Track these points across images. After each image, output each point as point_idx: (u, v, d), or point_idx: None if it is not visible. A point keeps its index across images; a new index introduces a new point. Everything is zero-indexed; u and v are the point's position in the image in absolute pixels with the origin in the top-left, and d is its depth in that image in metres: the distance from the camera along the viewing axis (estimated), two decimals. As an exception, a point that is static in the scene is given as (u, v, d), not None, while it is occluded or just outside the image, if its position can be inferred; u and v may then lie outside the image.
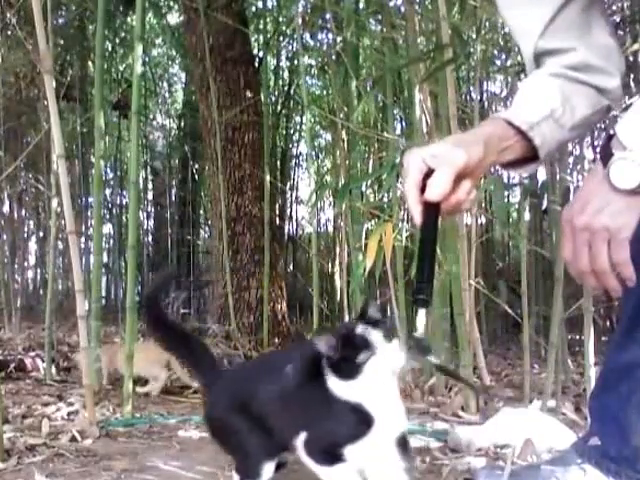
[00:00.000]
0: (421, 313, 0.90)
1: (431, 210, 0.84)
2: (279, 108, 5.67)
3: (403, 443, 1.04)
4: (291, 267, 6.65)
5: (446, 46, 2.11)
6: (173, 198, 7.00)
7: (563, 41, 0.93)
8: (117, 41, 5.64)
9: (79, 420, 1.85)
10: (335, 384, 1.02)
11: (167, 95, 7.25)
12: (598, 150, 0.85)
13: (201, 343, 1.30)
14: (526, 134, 0.90)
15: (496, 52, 3.74)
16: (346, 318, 4.37)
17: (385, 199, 4.46)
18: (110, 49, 5.53)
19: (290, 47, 5.36)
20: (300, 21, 3.20)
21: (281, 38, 5.18)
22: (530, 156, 0.93)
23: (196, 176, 6.64)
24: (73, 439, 1.66)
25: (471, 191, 0.84)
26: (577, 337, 3.35)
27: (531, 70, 1.00)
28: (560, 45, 0.94)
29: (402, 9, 2.98)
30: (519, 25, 0.98)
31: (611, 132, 0.83)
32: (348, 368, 1.00)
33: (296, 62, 4.85)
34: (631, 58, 3.21)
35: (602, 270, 0.81)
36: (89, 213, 5.38)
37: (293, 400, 1.07)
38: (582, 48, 0.93)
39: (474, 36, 2.51)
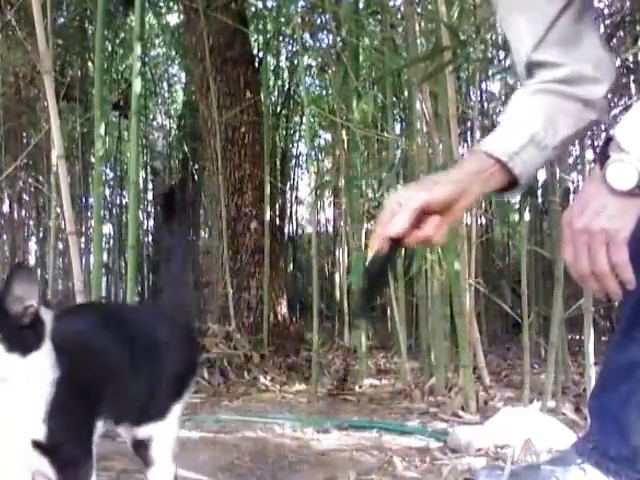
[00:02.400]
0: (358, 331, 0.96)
1: (391, 246, 0.89)
2: (279, 108, 5.68)
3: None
4: (291, 267, 6.65)
5: (446, 48, 2.12)
6: (173, 198, 7.00)
7: (554, 55, 0.96)
8: (117, 41, 5.64)
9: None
10: None
11: (167, 95, 7.25)
12: (597, 152, 0.86)
13: None
14: (506, 165, 0.92)
15: (495, 52, 3.74)
16: (346, 318, 4.38)
17: (385, 199, 4.46)
18: (110, 49, 5.53)
19: (290, 47, 5.37)
20: (300, 21, 3.20)
21: (281, 38, 5.19)
22: (513, 181, 0.95)
23: (196, 176, 6.64)
24: (73, 439, 1.66)
25: (440, 225, 0.89)
26: (577, 337, 3.35)
27: (523, 79, 1.02)
28: (550, 59, 0.96)
29: (402, 9, 2.98)
30: (515, 37, 1.01)
31: (610, 134, 0.83)
32: None
33: (296, 62, 4.85)
34: (631, 58, 3.21)
35: (601, 272, 0.82)
36: (89, 213, 5.38)
37: None
38: (572, 62, 0.95)
39: (474, 36, 2.51)
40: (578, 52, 0.95)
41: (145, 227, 6.89)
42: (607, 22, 3.31)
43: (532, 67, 0.99)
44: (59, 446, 0.88)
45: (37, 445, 0.86)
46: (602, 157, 0.82)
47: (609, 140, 0.83)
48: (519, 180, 0.94)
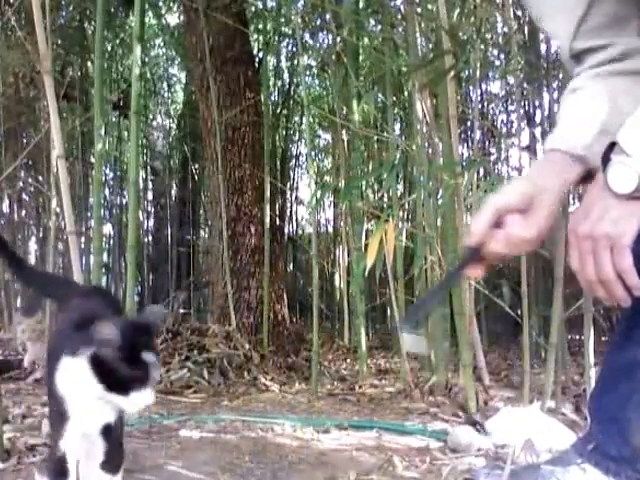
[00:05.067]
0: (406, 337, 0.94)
1: (471, 254, 0.88)
2: (279, 108, 5.67)
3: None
4: (291, 267, 6.65)
5: (446, 52, 2.12)
6: (173, 198, 7.00)
7: (599, 39, 0.93)
8: (117, 41, 5.64)
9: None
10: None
11: (167, 95, 7.25)
12: (601, 157, 0.85)
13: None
14: (585, 159, 0.90)
15: (496, 53, 3.74)
16: (346, 319, 4.38)
17: (385, 199, 4.47)
18: (110, 49, 5.53)
19: (290, 47, 5.37)
20: (300, 21, 3.20)
21: (281, 38, 5.18)
22: (588, 173, 0.92)
23: (196, 176, 6.64)
24: (73, 439, 1.66)
25: (526, 223, 0.85)
26: (577, 337, 3.35)
27: (572, 69, 1.00)
28: (596, 43, 0.94)
29: (402, 9, 2.98)
30: (552, 29, 0.99)
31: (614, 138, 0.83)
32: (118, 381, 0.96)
33: (296, 62, 4.85)
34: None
35: (607, 279, 0.81)
36: (89, 213, 5.37)
37: None
38: (621, 39, 0.93)
39: (474, 36, 2.51)
40: (626, 29, 0.92)
41: (145, 227, 6.89)
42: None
43: (580, 54, 0.97)
44: (118, 433, 1.07)
45: (106, 428, 1.03)
46: (605, 161, 0.82)
47: (613, 144, 0.82)
48: (594, 171, 0.90)
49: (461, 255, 0.90)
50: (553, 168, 0.91)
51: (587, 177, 0.93)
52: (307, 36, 4.34)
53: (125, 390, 0.95)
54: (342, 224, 4.76)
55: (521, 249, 0.87)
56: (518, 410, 1.80)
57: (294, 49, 5.15)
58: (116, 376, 0.94)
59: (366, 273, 2.69)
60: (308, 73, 5.40)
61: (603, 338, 3.24)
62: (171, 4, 5.74)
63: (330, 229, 6.27)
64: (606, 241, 0.80)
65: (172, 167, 7.01)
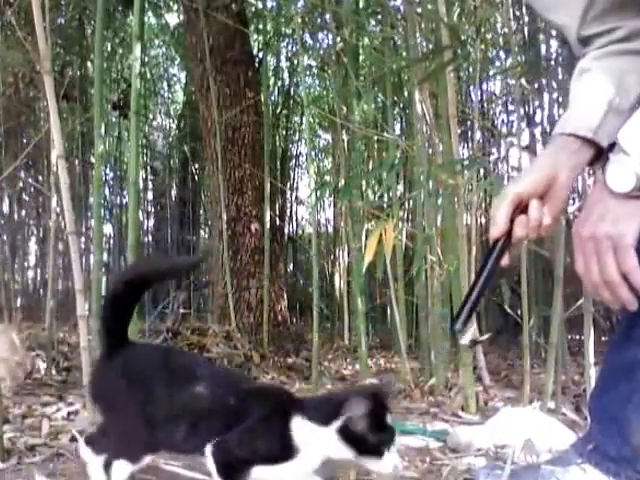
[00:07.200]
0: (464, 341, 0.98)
1: (497, 245, 0.91)
2: (279, 108, 5.67)
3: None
4: (291, 267, 6.65)
5: (446, 48, 2.12)
6: (173, 198, 7.00)
7: (604, 24, 0.93)
8: (117, 41, 5.64)
9: (79, 420, 1.85)
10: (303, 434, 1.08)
11: (167, 95, 7.24)
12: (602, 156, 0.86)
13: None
14: (593, 140, 0.89)
15: (496, 52, 3.74)
16: (346, 319, 4.38)
17: (385, 199, 4.47)
18: (110, 49, 5.53)
19: (290, 47, 5.37)
20: (300, 21, 3.20)
21: (281, 38, 5.18)
22: (599, 152, 0.91)
23: (196, 176, 6.64)
24: (73, 439, 1.66)
25: (545, 209, 0.87)
26: (577, 337, 3.35)
27: (579, 53, 1.00)
28: (603, 28, 0.94)
29: (402, 9, 2.98)
30: (559, 20, 0.99)
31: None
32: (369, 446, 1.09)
33: (296, 62, 4.85)
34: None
35: (611, 280, 0.80)
36: (89, 213, 5.37)
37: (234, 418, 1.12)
38: (626, 21, 0.93)
39: (474, 36, 2.51)
40: (630, 13, 0.92)
41: (145, 227, 6.88)
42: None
43: (586, 40, 0.97)
44: None
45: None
46: (604, 161, 0.82)
47: (613, 144, 0.82)
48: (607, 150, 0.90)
49: (490, 246, 0.92)
50: (561, 153, 0.91)
51: (596, 158, 0.92)
52: (307, 36, 4.34)
53: (377, 453, 1.08)
54: (342, 224, 4.76)
55: (541, 232, 0.89)
56: (518, 410, 1.80)
57: (294, 49, 5.15)
58: (368, 443, 1.07)
59: (363, 270, 2.69)
60: (308, 73, 5.40)
61: (603, 338, 3.23)
62: (171, 4, 5.74)
63: (330, 229, 6.26)
64: (608, 241, 0.80)
65: (172, 167, 7.00)
